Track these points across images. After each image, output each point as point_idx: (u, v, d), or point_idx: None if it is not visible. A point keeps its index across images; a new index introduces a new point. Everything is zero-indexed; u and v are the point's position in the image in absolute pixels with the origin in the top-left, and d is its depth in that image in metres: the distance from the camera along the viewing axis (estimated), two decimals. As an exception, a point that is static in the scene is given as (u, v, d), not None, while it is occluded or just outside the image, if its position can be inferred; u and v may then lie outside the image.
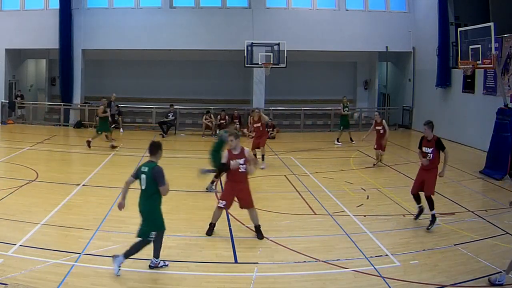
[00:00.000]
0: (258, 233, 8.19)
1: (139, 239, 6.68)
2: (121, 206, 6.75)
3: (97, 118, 17.06)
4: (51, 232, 8.18)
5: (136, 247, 6.69)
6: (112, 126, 18.29)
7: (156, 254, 6.82)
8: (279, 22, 21.34)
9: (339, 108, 18.69)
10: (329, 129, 21.85)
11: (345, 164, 14.36)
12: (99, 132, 16.16)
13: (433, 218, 8.67)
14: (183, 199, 10.45)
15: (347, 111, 18.71)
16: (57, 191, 10.60)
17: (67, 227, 8.37)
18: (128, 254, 6.63)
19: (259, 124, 14.01)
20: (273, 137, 19.62)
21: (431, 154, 8.77)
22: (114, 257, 6.62)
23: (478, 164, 13.62)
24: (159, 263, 6.85)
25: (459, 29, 15.41)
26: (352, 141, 18.35)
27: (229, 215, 9.29)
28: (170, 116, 20.27)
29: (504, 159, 12.74)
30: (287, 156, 15.60)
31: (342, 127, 18.49)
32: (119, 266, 6.55)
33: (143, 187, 6.59)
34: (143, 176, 6.54)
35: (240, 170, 7.92)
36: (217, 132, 20.30)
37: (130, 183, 6.76)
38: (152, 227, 6.68)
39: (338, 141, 18.23)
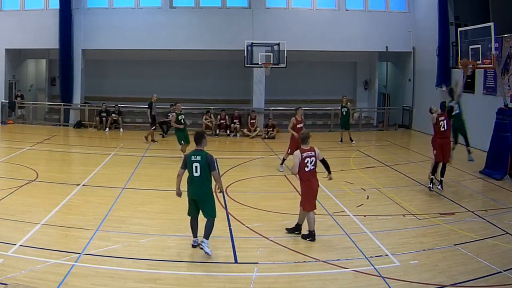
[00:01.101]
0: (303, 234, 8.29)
1: (208, 220, 7.37)
2: (178, 194, 7.51)
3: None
4: (51, 232, 8.18)
5: (211, 226, 7.33)
6: (153, 128, 18.07)
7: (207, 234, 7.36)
8: (279, 22, 21.33)
9: (339, 108, 18.62)
10: (329, 129, 21.84)
11: (345, 164, 14.35)
12: (183, 143, 14.55)
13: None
14: (183, 199, 10.39)
15: (345, 111, 18.34)
16: (57, 191, 10.59)
17: (67, 227, 8.38)
18: (209, 235, 7.28)
19: (302, 124, 13.32)
20: (273, 137, 19.62)
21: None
22: (201, 245, 7.22)
23: (478, 164, 13.61)
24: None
25: (459, 29, 15.39)
26: (352, 141, 18.31)
27: (229, 215, 9.30)
28: (170, 116, 20.21)
29: (504, 159, 12.72)
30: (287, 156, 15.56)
31: (340, 127, 18.45)
32: (208, 247, 7.21)
33: (198, 174, 7.17)
34: (196, 164, 7.15)
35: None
36: (217, 132, 20.34)
37: (182, 174, 7.39)
38: (214, 205, 7.45)
39: (341, 141, 18.22)
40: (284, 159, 13.41)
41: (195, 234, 7.66)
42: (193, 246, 7.60)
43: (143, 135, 18.09)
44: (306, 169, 8.04)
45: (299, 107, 14.03)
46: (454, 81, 14.47)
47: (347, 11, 21.94)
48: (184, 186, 7.51)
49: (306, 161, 8.01)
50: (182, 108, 19.77)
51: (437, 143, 11.14)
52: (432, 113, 11.54)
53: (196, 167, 7.16)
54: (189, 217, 7.65)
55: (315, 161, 8.12)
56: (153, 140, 17.78)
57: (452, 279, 6.62)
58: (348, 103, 18.65)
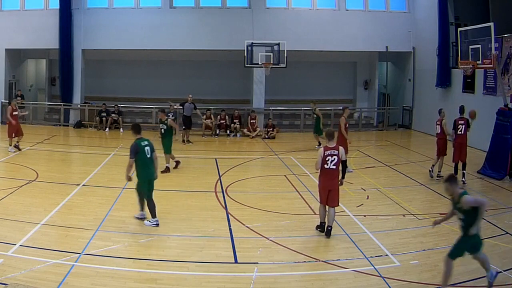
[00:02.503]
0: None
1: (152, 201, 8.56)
2: (130, 179, 8.54)
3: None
4: (51, 232, 8.18)
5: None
6: (183, 128, 18.03)
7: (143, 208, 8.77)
8: (279, 22, 21.32)
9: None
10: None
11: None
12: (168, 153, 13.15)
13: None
14: (183, 199, 10.46)
15: (315, 116, 17.54)
16: (57, 191, 10.59)
17: (67, 227, 8.38)
18: (154, 213, 8.54)
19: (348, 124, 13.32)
20: (273, 137, 19.62)
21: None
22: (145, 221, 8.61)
23: (478, 164, 13.62)
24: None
25: (459, 29, 15.40)
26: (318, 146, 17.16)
27: (229, 215, 9.30)
28: (170, 116, 20.16)
29: (504, 160, 12.70)
30: (287, 156, 15.60)
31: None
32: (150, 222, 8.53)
33: (149, 156, 8.48)
34: (147, 148, 8.46)
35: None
36: (217, 132, 20.32)
37: (132, 164, 8.36)
38: None
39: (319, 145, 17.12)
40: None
41: (143, 208, 8.73)
42: (140, 218, 8.72)
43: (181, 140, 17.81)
44: (326, 166, 8.15)
45: (346, 107, 14.13)
46: None
47: (347, 11, 21.94)
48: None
49: (327, 159, 8.12)
50: (182, 108, 19.60)
51: (456, 143, 12.14)
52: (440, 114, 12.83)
53: (147, 150, 8.45)
54: (139, 196, 8.65)
55: (337, 161, 8.16)
56: (188, 141, 17.89)
57: (452, 279, 6.60)
58: (317, 109, 17.73)
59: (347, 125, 13.24)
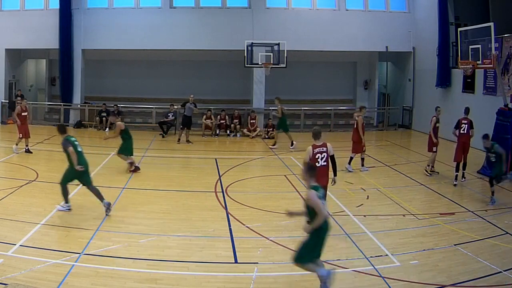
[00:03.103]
0: None
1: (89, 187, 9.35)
2: (81, 168, 9.15)
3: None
4: (51, 232, 8.19)
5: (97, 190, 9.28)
6: (181, 128, 18.21)
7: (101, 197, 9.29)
8: (279, 22, 21.31)
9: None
10: (329, 129, 21.83)
11: (345, 164, 14.33)
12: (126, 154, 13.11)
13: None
14: (183, 199, 10.46)
15: (283, 113, 17.30)
16: (57, 191, 10.48)
17: (67, 227, 8.38)
18: (100, 197, 9.18)
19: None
20: (273, 137, 19.59)
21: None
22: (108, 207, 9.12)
23: (478, 164, 13.62)
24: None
25: (459, 29, 15.40)
26: (273, 145, 17.29)
27: (229, 215, 9.30)
28: (170, 116, 20.27)
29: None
30: (287, 156, 15.60)
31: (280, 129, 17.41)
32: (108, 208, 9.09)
33: (80, 149, 9.39)
34: (76, 142, 9.36)
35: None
36: (217, 132, 20.32)
37: (74, 151, 9.13)
38: None
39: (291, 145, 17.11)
40: (352, 158, 13.67)
41: (67, 200, 9.32)
42: (63, 210, 9.21)
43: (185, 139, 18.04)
44: (317, 165, 8.12)
45: (363, 106, 14.35)
46: None
47: (347, 11, 21.94)
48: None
49: (317, 156, 8.16)
50: (182, 108, 19.65)
51: (460, 142, 12.33)
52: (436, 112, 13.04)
53: (77, 144, 9.30)
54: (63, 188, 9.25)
55: (327, 157, 8.22)
56: (188, 141, 17.94)
57: (452, 279, 6.62)
58: (279, 105, 17.35)
59: (363, 124, 13.45)
